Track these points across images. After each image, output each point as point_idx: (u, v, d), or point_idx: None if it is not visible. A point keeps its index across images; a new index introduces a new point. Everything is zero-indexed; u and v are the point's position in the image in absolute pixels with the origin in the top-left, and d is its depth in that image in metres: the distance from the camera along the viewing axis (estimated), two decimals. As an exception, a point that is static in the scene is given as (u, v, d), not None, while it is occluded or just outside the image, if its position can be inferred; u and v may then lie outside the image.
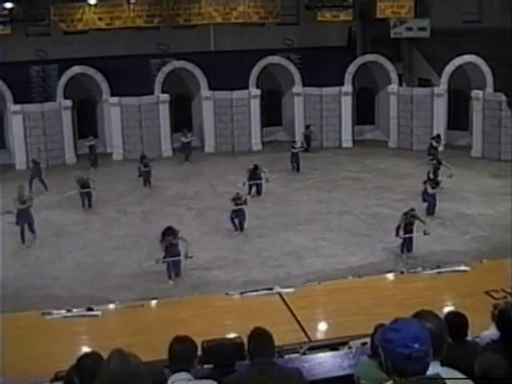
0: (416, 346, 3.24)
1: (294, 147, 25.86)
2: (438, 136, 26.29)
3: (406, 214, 17.53)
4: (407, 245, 17.38)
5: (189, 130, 27.84)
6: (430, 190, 19.99)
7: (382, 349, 3.36)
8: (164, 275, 16.31)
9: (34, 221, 18.84)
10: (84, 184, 21.74)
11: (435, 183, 20.29)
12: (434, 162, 22.51)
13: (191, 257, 16.30)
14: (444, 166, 22.05)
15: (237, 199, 19.19)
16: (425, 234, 17.34)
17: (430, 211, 19.84)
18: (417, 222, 17.51)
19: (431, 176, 21.29)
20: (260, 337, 5.26)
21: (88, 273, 16.82)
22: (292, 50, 31.19)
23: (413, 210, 17.95)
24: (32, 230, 18.78)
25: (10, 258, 17.36)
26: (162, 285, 15.94)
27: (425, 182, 20.41)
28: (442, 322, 4.36)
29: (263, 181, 22.36)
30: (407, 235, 17.31)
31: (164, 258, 16.28)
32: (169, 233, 16.36)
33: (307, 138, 28.33)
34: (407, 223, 17.35)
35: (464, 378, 4.07)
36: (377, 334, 5.81)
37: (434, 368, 3.43)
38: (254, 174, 22.40)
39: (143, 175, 23.84)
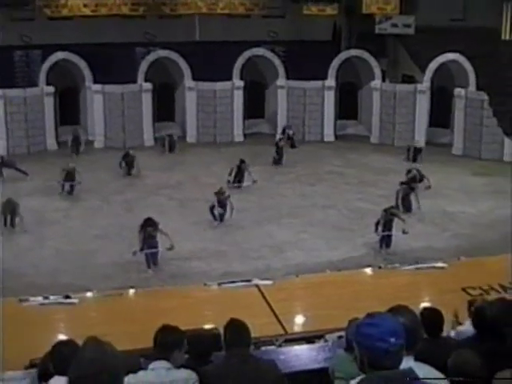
0: (392, 340, 3.26)
1: (280, 140, 26.13)
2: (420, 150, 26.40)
3: (385, 210, 17.68)
4: (386, 241, 17.50)
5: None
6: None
7: (358, 343, 3.37)
8: (144, 265, 16.29)
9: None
10: (69, 174, 21.64)
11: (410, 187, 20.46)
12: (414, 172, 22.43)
13: (171, 248, 16.26)
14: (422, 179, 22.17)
15: (219, 194, 19.17)
16: (404, 232, 17.43)
17: (407, 208, 19.95)
18: (396, 219, 17.62)
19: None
20: (236, 328, 5.27)
21: (69, 261, 16.75)
22: (277, 42, 31.16)
23: (393, 207, 18.14)
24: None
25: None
26: (142, 274, 15.91)
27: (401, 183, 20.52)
28: (416, 317, 4.39)
29: (250, 183, 22.24)
30: (386, 232, 17.42)
31: (141, 249, 16.27)
32: (149, 223, 16.34)
33: (291, 139, 28.25)
34: (387, 220, 17.48)
35: (439, 378, 4.10)
36: (350, 329, 5.83)
37: (408, 363, 3.45)
38: (239, 170, 22.39)
39: (124, 170, 23.75)
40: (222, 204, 19.13)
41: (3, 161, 23.66)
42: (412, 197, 20.10)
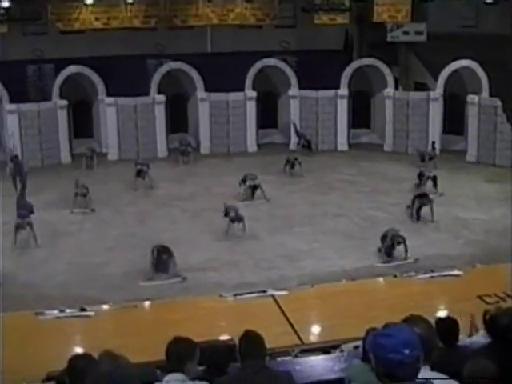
0: (407, 351, 3.26)
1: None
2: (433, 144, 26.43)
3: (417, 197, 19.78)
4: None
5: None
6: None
7: (373, 354, 3.38)
8: (157, 276, 16.33)
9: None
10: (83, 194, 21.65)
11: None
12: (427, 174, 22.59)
13: (185, 278, 16.30)
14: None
15: (229, 211, 19.09)
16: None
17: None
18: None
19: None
20: (251, 339, 5.29)
21: (82, 273, 16.80)
22: (288, 52, 31.19)
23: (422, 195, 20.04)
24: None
25: (4, 257, 17.31)
26: (155, 286, 15.91)
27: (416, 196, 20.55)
28: (431, 326, 4.39)
29: (262, 201, 22.14)
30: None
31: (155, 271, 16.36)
32: (164, 251, 16.38)
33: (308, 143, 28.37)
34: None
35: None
36: (367, 339, 5.83)
37: (424, 373, 3.44)
38: (252, 187, 22.31)
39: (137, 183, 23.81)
40: (238, 218, 19.05)
41: (17, 160, 23.58)
42: (427, 208, 20.05)
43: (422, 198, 20.05)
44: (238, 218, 18.93)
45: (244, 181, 22.41)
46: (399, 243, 17.04)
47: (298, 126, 28.84)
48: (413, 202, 20.07)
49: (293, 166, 24.97)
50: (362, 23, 31.13)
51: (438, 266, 14.74)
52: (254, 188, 22.00)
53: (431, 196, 20.59)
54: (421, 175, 22.79)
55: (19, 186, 22.47)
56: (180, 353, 5.27)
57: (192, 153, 27.37)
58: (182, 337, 5.46)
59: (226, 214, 19.05)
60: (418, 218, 19.91)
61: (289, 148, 28.64)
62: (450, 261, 16.19)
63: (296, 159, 25.07)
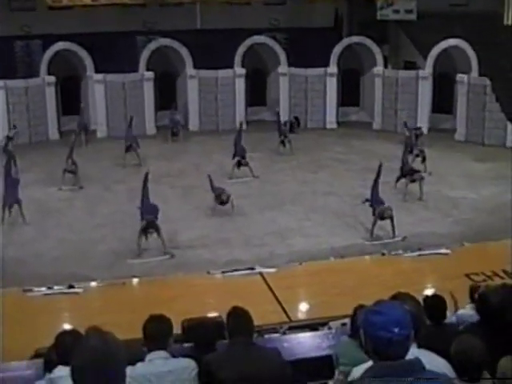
0: (396, 330, 3.25)
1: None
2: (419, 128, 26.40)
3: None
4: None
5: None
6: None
7: (363, 330, 3.37)
8: (148, 253, 16.32)
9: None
10: (72, 171, 21.54)
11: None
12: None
13: (173, 255, 16.28)
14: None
15: (219, 197, 18.97)
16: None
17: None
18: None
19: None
20: (238, 316, 5.29)
21: (71, 250, 16.77)
22: (278, 29, 31.05)
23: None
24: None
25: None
26: (145, 263, 15.91)
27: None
28: (419, 303, 4.40)
29: (250, 178, 22.14)
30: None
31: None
32: (151, 226, 16.37)
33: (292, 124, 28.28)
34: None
35: (445, 374, 4.09)
36: (359, 315, 5.84)
37: (412, 350, 3.44)
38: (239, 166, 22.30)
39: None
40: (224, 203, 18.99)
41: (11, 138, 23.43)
42: (416, 186, 20.09)
43: (412, 175, 20.11)
44: (227, 201, 18.87)
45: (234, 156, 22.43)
46: (386, 218, 17.11)
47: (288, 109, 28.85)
48: (403, 176, 20.16)
49: (284, 145, 24.96)
50: (352, 1, 31.00)
51: (426, 244, 14.78)
52: (239, 164, 21.96)
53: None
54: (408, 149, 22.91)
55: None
56: (161, 330, 5.27)
57: (181, 131, 27.29)
58: (159, 314, 5.46)
59: (217, 197, 18.98)
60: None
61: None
62: (439, 239, 16.24)
63: (286, 137, 25.07)
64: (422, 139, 25.42)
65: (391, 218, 17.09)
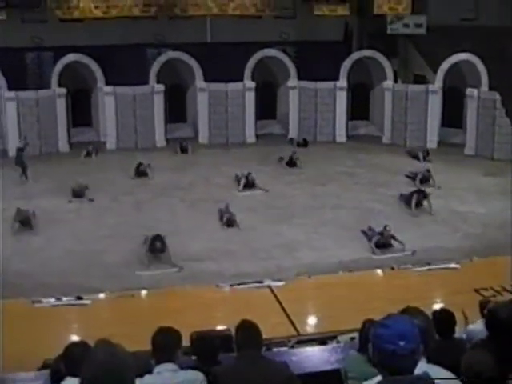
0: (401, 343, 3.25)
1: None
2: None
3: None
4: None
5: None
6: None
7: (372, 343, 3.38)
8: (155, 265, 16.34)
9: None
10: (79, 193, 21.55)
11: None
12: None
13: (181, 268, 16.32)
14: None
15: (224, 214, 19.11)
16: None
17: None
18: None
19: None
20: (247, 329, 5.28)
21: (79, 261, 16.78)
22: (288, 43, 31.10)
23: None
24: None
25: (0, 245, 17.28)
26: (153, 275, 15.90)
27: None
28: (428, 318, 4.38)
29: (261, 191, 22.14)
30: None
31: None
32: (157, 239, 16.47)
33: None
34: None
35: (451, 379, 4.08)
36: (368, 329, 5.83)
37: (421, 365, 3.43)
38: (248, 182, 22.30)
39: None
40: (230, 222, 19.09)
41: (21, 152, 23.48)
42: (425, 202, 20.12)
43: (419, 194, 20.14)
44: (231, 222, 18.97)
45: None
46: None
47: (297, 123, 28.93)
48: (411, 195, 20.19)
49: (294, 164, 24.98)
50: (362, 15, 31.04)
51: (435, 259, 14.75)
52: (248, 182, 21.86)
53: (428, 190, 20.72)
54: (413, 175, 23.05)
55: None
56: (169, 342, 5.26)
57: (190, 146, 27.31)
58: (168, 326, 5.45)
59: (221, 218, 19.12)
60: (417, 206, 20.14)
61: (287, 139, 28.68)
62: (448, 253, 16.19)
63: (294, 153, 25.13)
64: (428, 158, 25.53)
65: (393, 237, 17.20)
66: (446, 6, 28.82)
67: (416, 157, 25.78)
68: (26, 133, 26.43)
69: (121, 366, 2.97)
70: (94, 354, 3.02)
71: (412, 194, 20.28)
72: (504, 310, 4.95)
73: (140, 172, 23.71)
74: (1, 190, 20.61)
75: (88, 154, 26.45)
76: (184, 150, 27.04)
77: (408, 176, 23.01)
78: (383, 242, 17.29)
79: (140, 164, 23.93)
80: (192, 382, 5.11)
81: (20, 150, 23.62)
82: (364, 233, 18.05)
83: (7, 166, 23.32)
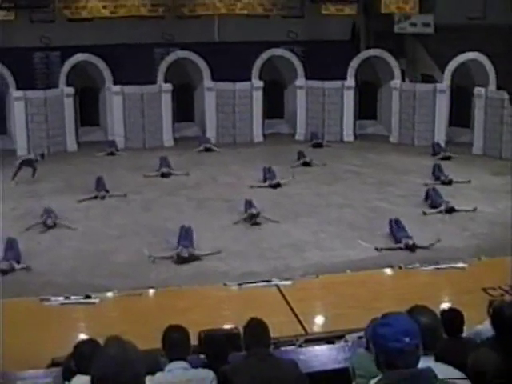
0: (407, 339, 3.28)
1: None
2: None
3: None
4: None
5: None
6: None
7: (373, 344, 3.39)
8: (163, 265, 16.37)
9: None
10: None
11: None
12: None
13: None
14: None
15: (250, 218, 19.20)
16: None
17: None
18: None
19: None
20: (255, 328, 5.30)
21: (87, 260, 16.83)
22: (296, 42, 31.11)
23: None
24: None
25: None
26: (160, 274, 15.95)
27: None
28: (436, 316, 4.40)
29: (289, 178, 22.60)
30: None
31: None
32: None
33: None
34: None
35: (459, 378, 4.10)
36: (368, 329, 5.85)
37: (428, 362, 3.46)
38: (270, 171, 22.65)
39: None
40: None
41: (23, 161, 23.58)
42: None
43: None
44: (253, 217, 19.08)
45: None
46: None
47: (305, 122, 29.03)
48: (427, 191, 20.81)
49: (309, 164, 25.06)
50: (369, 14, 31.03)
51: (443, 258, 14.73)
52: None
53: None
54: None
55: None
56: (181, 340, 5.29)
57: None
58: (177, 325, 5.47)
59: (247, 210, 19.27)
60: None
61: (294, 138, 28.71)
62: (456, 252, 16.18)
63: (305, 156, 25.30)
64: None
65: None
66: (453, 5, 28.76)
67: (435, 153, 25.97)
68: (35, 132, 26.57)
69: (132, 361, 2.99)
70: (105, 351, 3.05)
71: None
72: (508, 308, 4.97)
73: (163, 174, 23.80)
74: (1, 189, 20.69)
75: (110, 154, 26.55)
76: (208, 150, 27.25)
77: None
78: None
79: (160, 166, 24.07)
80: (203, 381, 5.14)
81: (31, 161, 23.53)
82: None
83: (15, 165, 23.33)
